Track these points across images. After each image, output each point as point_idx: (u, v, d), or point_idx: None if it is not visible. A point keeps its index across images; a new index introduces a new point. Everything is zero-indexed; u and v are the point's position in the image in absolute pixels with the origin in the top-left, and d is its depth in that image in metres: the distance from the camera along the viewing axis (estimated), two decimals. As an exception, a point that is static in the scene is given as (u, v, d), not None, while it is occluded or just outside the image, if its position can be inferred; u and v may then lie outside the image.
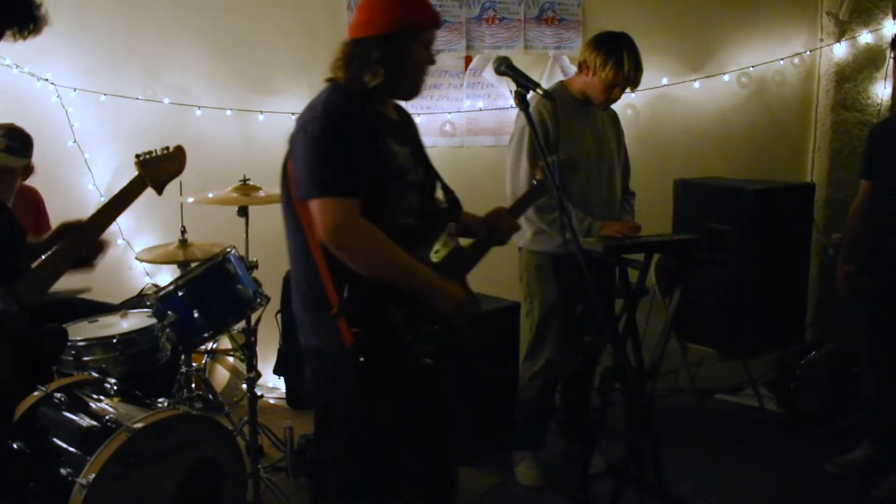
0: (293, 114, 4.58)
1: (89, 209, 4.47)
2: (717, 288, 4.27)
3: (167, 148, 2.51)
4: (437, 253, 2.32)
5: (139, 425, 2.58)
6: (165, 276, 4.61)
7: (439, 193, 2.48)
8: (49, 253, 1.97)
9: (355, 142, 2.15)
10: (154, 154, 2.47)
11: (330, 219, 2.10)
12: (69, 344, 3.02)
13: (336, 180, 2.11)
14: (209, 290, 3.01)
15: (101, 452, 2.51)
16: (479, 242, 2.53)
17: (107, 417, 2.68)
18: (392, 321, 2.17)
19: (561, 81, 3.70)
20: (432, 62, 2.33)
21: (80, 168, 4.52)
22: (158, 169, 2.44)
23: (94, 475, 2.46)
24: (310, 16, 4.61)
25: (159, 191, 2.46)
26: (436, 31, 2.34)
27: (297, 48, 4.61)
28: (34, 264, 1.97)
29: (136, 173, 2.42)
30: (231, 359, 4.69)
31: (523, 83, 2.38)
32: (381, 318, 2.16)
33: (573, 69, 4.62)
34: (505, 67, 2.41)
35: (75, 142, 4.50)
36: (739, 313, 4.30)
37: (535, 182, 2.78)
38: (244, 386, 4.57)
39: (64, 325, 3.03)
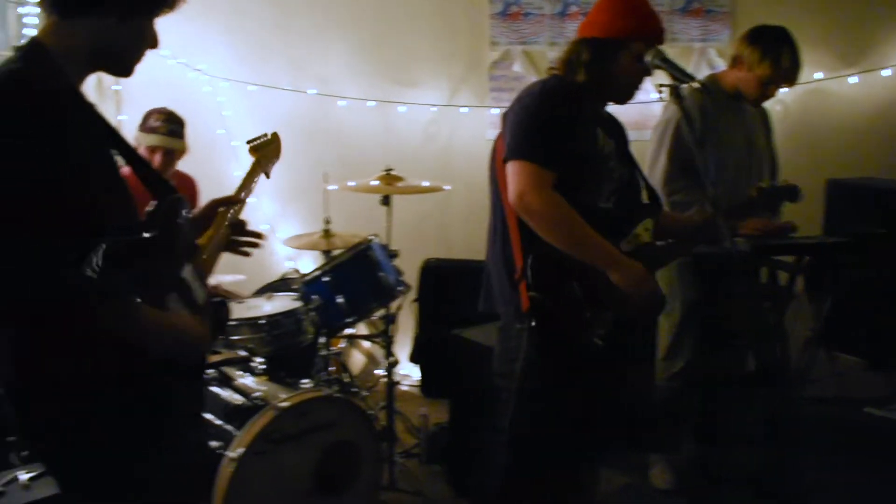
0: (433, 106, 4.64)
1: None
2: (868, 294, 4.05)
3: (266, 134, 2.57)
4: (628, 243, 2.40)
5: (285, 404, 2.67)
6: (306, 261, 4.76)
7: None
8: (211, 231, 2.04)
9: (564, 119, 2.28)
10: (261, 140, 2.55)
11: (522, 181, 2.23)
12: (219, 322, 3.15)
13: (536, 148, 2.25)
14: (353, 277, 3.09)
15: (250, 428, 2.61)
16: (681, 241, 2.60)
17: (254, 395, 2.78)
18: (570, 294, 2.25)
19: (712, 75, 3.58)
20: (647, 73, 2.41)
21: (227, 155, 4.70)
22: (266, 154, 2.53)
23: (242, 449, 2.56)
24: (451, 9, 4.65)
25: (268, 174, 2.54)
26: (654, 45, 2.39)
27: (437, 41, 4.66)
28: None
29: (253, 159, 2.49)
30: (367, 344, 4.77)
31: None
32: (559, 288, 2.26)
33: (720, 63, 4.48)
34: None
35: (225, 129, 4.69)
36: (892, 321, 4.07)
37: (759, 190, 2.75)
38: (378, 371, 4.69)
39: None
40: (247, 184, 2.29)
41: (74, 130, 1.52)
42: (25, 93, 1.48)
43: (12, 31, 4.51)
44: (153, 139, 3.62)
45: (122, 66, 1.72)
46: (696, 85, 2.37)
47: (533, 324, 2.24)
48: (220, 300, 2.02)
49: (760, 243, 3.08)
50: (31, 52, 1.57)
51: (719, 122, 3.32)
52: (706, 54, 4.64)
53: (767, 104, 3.64)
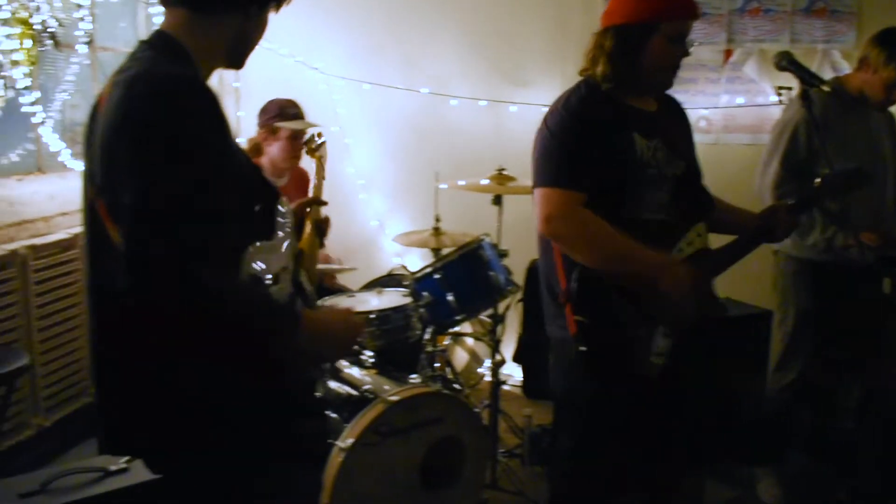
0: (544, 106, 4.61)
1: (350, 192, 4.80)
2: None
3: (314, 135, 2.76)
4: (680, 252, 2.27)
5: (395, 398, 2.71)
6: (413, 258, 4.81)
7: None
8: (305, 231, 2.11)
9: (588, 137, 2.16)
10: (317, 142, 2.62)
11: (545, 209, 2.16)
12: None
13: (558, 172, 2.16)
14: (464, 275, 3.11)
15: (360, 420, 2.66)
16: (743, 239, 2.43)
17: (364, 387, 2.85)
18: (619, 314, 2.16)
19: (837, 77, 3.46)
20: (683, 55, 2.26)
21: (341, 152, 4.81)
22: (324, 155, 2.59)
23: (352, 440, 2.62)
24: (564, 7, 4.62)
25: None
26: (687, 23, 2.25)
27: (550, 40, 4.64)
28: None
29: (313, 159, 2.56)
30: (470, 342, 4.80)
31: (806, 79, 2.26)
32: (607, 309, 2.17)
33: (845, 66, 4.32)
34: (787, 63, 2.31)
35: (339, 127, 4.79)
36: None
37: (823, 177, 2.57)
38: (480, 370, 4.72)
39: (325, 298, 3.27)
40: (321, 184, 2.37)
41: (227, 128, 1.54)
42: (197, 92, 1.47)
43: (142, 28, 4.72)
44: (300, 124, 3.69)
45: (243, 60, 1.72)
46: (825, 88, 2.27)
47: (583, 349, 2.15)
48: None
49: (883, 254, 2.96)
50: (172, 49, 1.56)
51: (843, 126, 3.21)
52: (830, 56, 4.48)
53: (893, 109, 3.50)
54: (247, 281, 1.48)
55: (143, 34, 4.63)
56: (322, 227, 2.16)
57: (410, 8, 4.76)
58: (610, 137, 2.19)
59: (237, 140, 1.65)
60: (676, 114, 2.47)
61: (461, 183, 3.65)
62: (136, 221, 1.37)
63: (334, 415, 2.82)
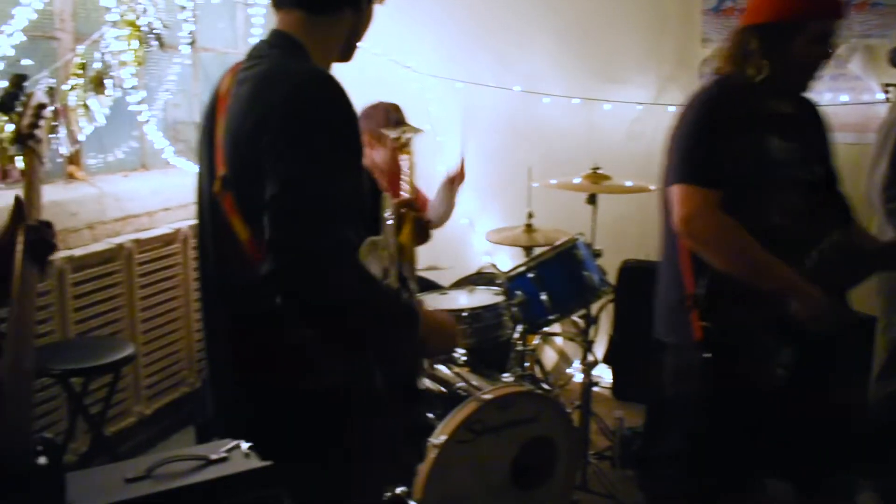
0: (639, 104, 4.56)
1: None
2: None
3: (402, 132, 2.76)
4: (810, 259, 2.19)
5: (488, 396, 2.71)
6: (502, 256, 4.80)
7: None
8: (405, 227, 2.13)
9: (725, 135, 2.12)
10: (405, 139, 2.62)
11: (685, 207, 2.10)
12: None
13: (698, 169, 2.12)
14: (558, 274, 3.09)
15: (453, 417, 2.66)
16: (881, 251, 2.37)
17: (458, 385, 2.85)
18: (747, 323, 2.09)
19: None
20: (825, 56, 2.21)
21: (433, 151, 4.82)
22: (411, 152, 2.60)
23: (445, 437, 2.62)
24: (661, 5, 4.54)
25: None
26: (834, 22, 2.19)
27: (645, 38, 4.57)
28: None
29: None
30: (559, 341, 4.77)
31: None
32: (735, 317, 2.10)
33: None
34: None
35: (431, 126, 4.81)
36: None
37: None
38: (569, 370, 4.68)
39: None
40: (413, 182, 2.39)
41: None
42: (337, 87, 1.49)
43: (240, 30, 4.83)
44: (408, 130, 3.68)
45: (353, 52, 1.75)
46: None
47: (707, 355, 2.10)
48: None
49: None
50: (293, 47, 1.59)
51: None
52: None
53: None
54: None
55: (242, 35, 4.78)
56: (424, 225, 2.18)
57: (503, 5, 4.74)
58: (745, 138, 2.15)
59: None
60: (814, 116, 2.41)
61: (553, 181, 3.62)
62: (288, 213, 1.37)
63: (428, 412, 2.83)
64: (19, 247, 1.35)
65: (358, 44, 1.74)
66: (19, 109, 1.64)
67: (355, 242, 1.42)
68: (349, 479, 1.63)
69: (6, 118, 2.89)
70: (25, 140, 1.61)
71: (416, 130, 3.71)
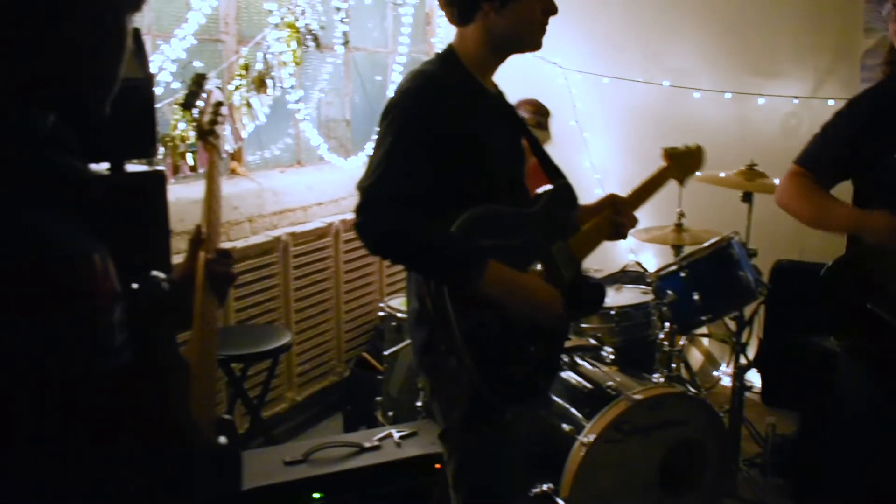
0: (795, 98, 4.38)
1: (585, 186, 4.79)
2: None
3: (689, 145, 2.56)
4: None
5: (638, 396, 2.68)
6: (648, 255, 4.73)
7: None
8: (596, 219, 2.13)
9: (854, 126, 2.15)
10: (678, 149, 2.54)
11: (781, 182, 2.23)
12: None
13: (808, 153, 2.20)
14: (711, 274, 3.02)
15: (603, 416, 2.65)
16: None
17: (607, 384, 2.83)
18: (871, 308, 2.04)
19: None
20: None
21: (578, 146, 4.80)
22: (683, 164, 2.51)
23: (594, 436, 2.61)
24: (819, -4, 4.35)
25: (682, 183, 2.54)
26: None
27: (802, 28, 4.38)
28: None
29: (664, 164, 2.50)
30: (706, 342, 4.65)
31: None
32: (858, 302, 2.06)
33: None
34: None
35: (576, 121, 4.79)
36: None
37: None
38: (715, 373, 4.56)
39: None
40: (647, 185, 2.35)
41: (465, 118, 1.85)
42: (425, 84, 1.84)
43: (390, 30, 4.94)
44: (545, 136, 3.78)
45: (525, 44, 1.98)
46: None
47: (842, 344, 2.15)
48: (597, 282, 2.09)
49: None
50: (444, 54, 1.97)
51: None
52: None
53: None
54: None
55: (392, 35, 4.88)
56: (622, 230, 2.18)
57: (651, 0, 4.66)
58: (879, 136, 2.10)
59: None
60: None
61: (704, 178, 3.52)
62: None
63: (574, 410, 2.82)
64: (200, 279, 1.39)
65: (519, 39, 1.96)
66: (200, 106, 1.74)
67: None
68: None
69: (179, 116, 3.08)
70: (206, 136, 1.71)
71: (548, 137, 3.74)
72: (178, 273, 1.44)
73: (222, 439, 1.29)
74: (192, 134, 3.17)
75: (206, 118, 1.76)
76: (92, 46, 0.98)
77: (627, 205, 2.20)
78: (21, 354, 0.85)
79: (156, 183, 2.22)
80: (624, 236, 2.21)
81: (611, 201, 2.19)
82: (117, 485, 0.96)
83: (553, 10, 1.96)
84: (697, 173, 2.59)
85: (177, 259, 2.84)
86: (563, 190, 2.07)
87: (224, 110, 1.82)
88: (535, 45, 1.99)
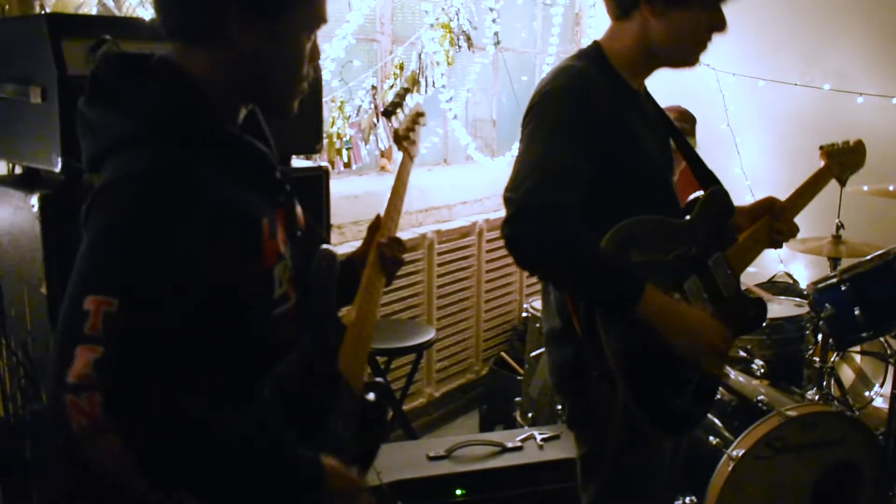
0: (971, 103, 4.11)
1: (735, 192, 4.63)
2: None
3: (848, 141, 2.43)
4: None
5: (792, 413, 2.58)
6: (798, 265, 4.55)
7: None
8: (753, 227, 2.04)
9: None
10: (837, 146, 2.41)
11: None
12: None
13: None
14: (875, 289, 2.86)
15: (753, 431, 2.57)
16: None
17: (758, 398, 2.74)
18: None
19: None
20: None
21: (729, 151, 4.66)
22: (842, 161, 2.38)
23: (742, 451, 2.54)
24: None
25: (843, 183, 2.41)
26: None
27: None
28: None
29: (822, 164, 2.38)
30: (859, 360, 4.43)
31: None
32: None
33: None
34: None
35: (728, 125, 4.65)
36: None
37: None
38: (868, 393, 4.33)
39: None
40: (806, 188, 2.24)
41: (614, 117, 1.76)
42: (572, 82, 1.75)
43: (539, 30, 4.94)
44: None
45: (679, 58, 1.87)
46: None
47: None
48: (758, 298, 2.01)
49: None
50: (589, 50, 1.87)
51: None
52: None
53: None
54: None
55: (542, 35, 4.88)
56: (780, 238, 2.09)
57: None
58: None
59: None
60: None
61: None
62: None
63: (721, 423, 2.75)
64: (372, 257, 1.51)
65: (675, 53, 1.86)
66: (400, 116, 1.86)
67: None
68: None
69: (336, 114, 3.18)
70: (401, 141, 1.80)
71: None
72: (356, 254, 1.57)
73: (370, 396, 1.37)
74: (348, 132, 3.27)
75: (404, 125, 1.85)
76: (281, 60, 1.24)
77: (787, 210, 2.07)
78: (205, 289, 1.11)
79: (320, 178, 2.30)
80: (780, 245, 2.08)
81: (769, 206, 2.06)
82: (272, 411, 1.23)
83: (722, 28, 1.84)
84: (859, 171, 2.43)
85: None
86: (718, 197, 1.95)
87: (423, 121, 1.91)
88: (691, 61, 1.87)
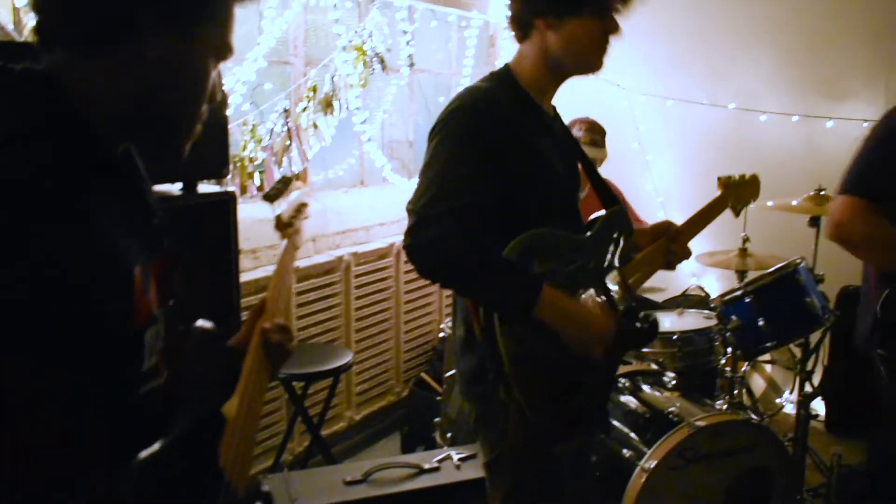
0: (865, 121, 4.29)
1: (648, 209, 4.76)
2: None
3: (745, 175, 2.56)
4: None
5: (701, 423, 2.64)
6: (710, 279, 4.66)
7: None
8: (650, 248, 2.09)
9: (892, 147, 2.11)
10: (734, 178, 2.53)
11: (834, 215, 2.19)
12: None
13: (853, 179, 2.17)
14: (778, 300, 2.97)
15: (664, 442, 2.62)
16: None
17: (669, 410, 2.80)
18: None
19: None
20: None
21: (640, 169, 4.77)
22: (738, 193, 2.50)
23: (655, 462, 2.58)
24: (891, 12, 4.24)
25: (737, 213, 2.52)
26: None
27: (874, 48, 4.28)
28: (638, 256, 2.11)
29: (718, 192, 2.48)
30: (769, 368, 4.57)
31: None
32: None
33: None
34: None
35: (639, 143, 4.76)
36: None
37: None
38: (778, 400, 4.46)
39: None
40: (702, 215, 2.33)
41: (519, 136, 1.80)
42: (476, 102, 1.80)
43: (454, 51, 4.97)
44: (599, 153, 3.77)
45: (582, 65, 1.92)
46: None
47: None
48: (650, 313, 2.06)
49: None
50: (498, 72, 1.92)
51: None
52: None
53: None
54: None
55: (456, 56, 4.93)
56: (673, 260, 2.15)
57: (716, 20, 4.61)
58: None
59: None
60: None
61: (770, 203, 3.47)
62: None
63: (634, 435, 2.80)
64: (255, 343, 1.37)
65: (572, 60, 1.90)
66: (281, 201, 1.80)
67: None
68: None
69: (248, 137, 3.15)
70: (284, 228, 1.74)
71: (603, 155, 3.75)
72: (235, 340, 1.42)
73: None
74: (260, 154, 3.24)
75: (288, 214, 1.81)
76: (184, 78, 1.09)
77: (682, 234, 2.15)
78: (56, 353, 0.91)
79: (226, 203, 2.27)
80: (673, 267, 2.16)
81: (666, 228, 2.14)
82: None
83: (615, 30, 1.88)
84: (752, 204, 2.55)
85: (244, 277, 2.92)
86: (618, 216, 2.01)
87: (307, 211, 1.87)
88: (593, 66, 1.92)
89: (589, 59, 1.90)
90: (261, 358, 1.36)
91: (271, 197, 1.81)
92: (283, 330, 1.42)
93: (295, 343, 1.45)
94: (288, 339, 1.42)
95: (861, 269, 2.44)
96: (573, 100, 4.30)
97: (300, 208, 1.80)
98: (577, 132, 3.83)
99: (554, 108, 2.02)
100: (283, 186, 1.85)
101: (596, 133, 3.88)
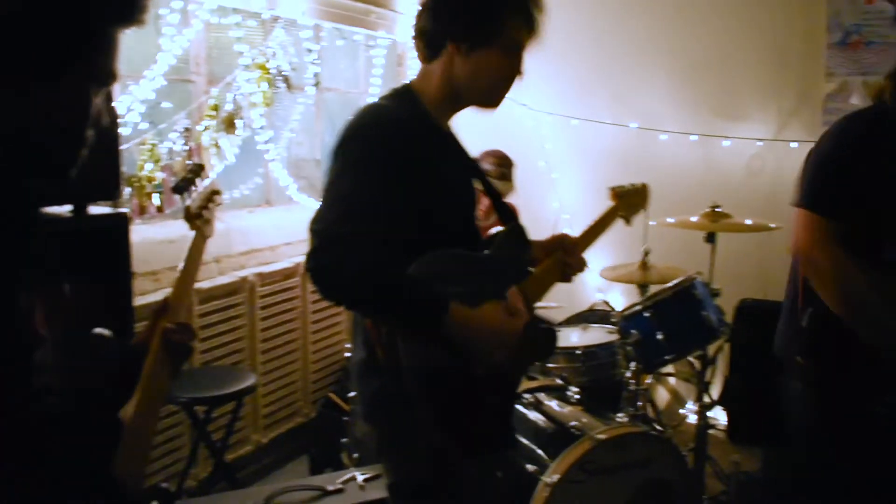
0: (759, 140, 4.46)
1: (552, 227, 4.82)
2: None
3: (634, 184, 2.60)
4: None
5: (602, 436, 2.68)
6: (615, 294, 4.76)
7: None
8: (547, 261, 2.11)
9: (858, 166, 2.03)
10: (625, 188, 2.59)
11: (799, 233, 2.07)
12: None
13: (821, 197, 2.05)
14: (676, 314, 3.04)
15: (566, 456, 2.65)
16: None
17: (571, 424, 2.83)
18: (849, 355, 2.06)
19: None
20: None
21: (548, 186, 4.85)
22: (629, 202, 2.55)
23: (557, 476, 2.61)
24: (783, 39, 4.44)
25: (629, 222, 2.57)
26: None
27: (766, 72, 4.47)
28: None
29: (611, 203, 2.53)
30: (672, 381, 4.68)
31: None
32: (837, 347, 2.07)
33: None
34: None
35: (546, 162, 4.84)
36: None
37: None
38: (682, 411, 4.57)
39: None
40: (595, 226, 2.36)
41: (420, 155, 1.78)
42: (379, 120, 1.79)
43: (361, 70, 4.97)
44: (507, 187, 3.84)
45: (482, 98, 1.93)
46: None
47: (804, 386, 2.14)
48: (549, 327, 2.09)
49: None
50: (399, 90, 1.92)
51: None
52: None
53: None
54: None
55: (364, 75, 4.93)
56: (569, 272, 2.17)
57: (619, 42, 4.74)
58: (887, 170, 2.03)
59: None
60: None
61: (671, 220, 3.57)
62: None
63: (538, 450, 2.82)
64: (156, 345, 1.36)
65: (476, 92, 1.91)
66: (193, 193, 1.76)
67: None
68: None
69: (146, 156, 3.08)
70: (193, 220, 1.71)
71: (511, 188, 3.82)
72: (137, 340, 1.41)
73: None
74: (158, 175, 3.17)
75: (197, 203, 1.77)
76: (60, 116, 1.06)
77: (577, 245, 2.18)
78: None
79: (119, 225, 2.22)
80: (570, 279, 2.17)
81: (561, 241, 2.16)
82: None
83: (519, 73, 1.92)
84: (643, 212, 2.60)
85: (140, 301, 2.84)
86: (516, 232, 2.03)
87: (219, 199, 1.84)
88: (492, 102, 1.94)
89: (490, 94, 1.93)
90: (161, 359, 1.36)
91: (180, 189, 1.78)
92: (185, 329, 1.42)
93: (196, 342, 1.47)
94: (189, 338, 1.43)
95: (756, 283, 2.54)
96: (480, 118, 4.39)
97: (211, 196, 1.78)
98: (486, 165, 3.87)
99: (450, 127, 2.02)
100: (192, 177, 1.82)
101: (505, 165, 3.95)
